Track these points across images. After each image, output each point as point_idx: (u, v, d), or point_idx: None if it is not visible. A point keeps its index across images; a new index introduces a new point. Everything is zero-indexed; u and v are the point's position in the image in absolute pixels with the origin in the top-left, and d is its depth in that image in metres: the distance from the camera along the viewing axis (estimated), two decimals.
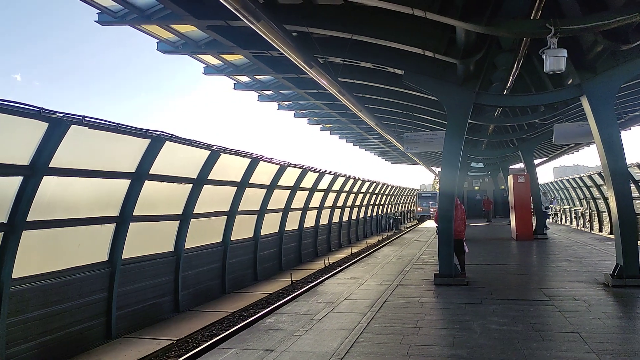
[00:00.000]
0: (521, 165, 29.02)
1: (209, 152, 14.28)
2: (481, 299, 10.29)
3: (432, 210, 54.91)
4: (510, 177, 24.03)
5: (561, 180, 37.87)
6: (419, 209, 59.39)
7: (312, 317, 9.46)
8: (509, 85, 14.05)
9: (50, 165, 9.55)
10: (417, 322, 8.68)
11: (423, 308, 9.81)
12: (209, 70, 16.65)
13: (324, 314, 9.68)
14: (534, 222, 23.20)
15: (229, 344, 8.04)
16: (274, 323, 9.15)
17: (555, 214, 40.81)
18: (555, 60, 9.08)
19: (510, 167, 36.71)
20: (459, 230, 12.58)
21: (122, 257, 11.97)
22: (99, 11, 11.48)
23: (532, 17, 9.06)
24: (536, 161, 32.20)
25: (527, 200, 22.55)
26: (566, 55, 9.12)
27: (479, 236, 25.01)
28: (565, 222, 37.33)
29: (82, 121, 9.76)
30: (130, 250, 12.31)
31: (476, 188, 46.24)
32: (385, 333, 8.13)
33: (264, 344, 7.85)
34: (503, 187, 39.64)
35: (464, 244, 12.94)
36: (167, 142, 12.15)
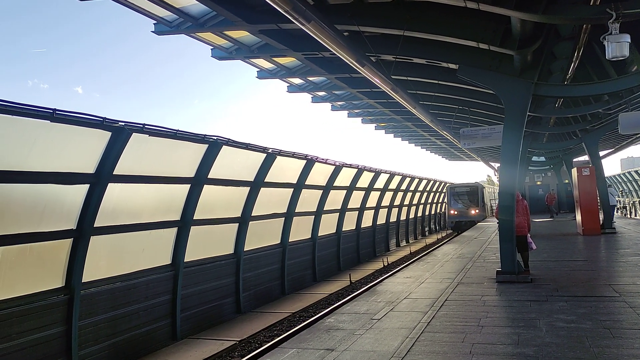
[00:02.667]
0: (585, 157, 28.02)
1: (265, 155, 14.46)
2: (546, 296, 9.99)
3: (473, 212, 38.00)
4: (574, 170, 23.20)
5: (629, 172, 36.29)
6: (452, 211, 38.76)
7: (372, 316, 9.42)
8: (569, 74, 13.57)
9: (114, 173, 9.89)
10: (480, 321, 8.50)
11: (485, 306, 9.60)
12: (263, 74, 16.85)
13: (383, 313, 9.63)
14: (601, 216, 22.34)
15: (290, 343, 8.11)
16: (334, 323, 9.16)
17: (624, 207, 39.14)
18: (617, 46, 8.69)
19: (574, 159, 35.46)
20: (521, 226, 12.24)
21: (185, 260, 12.26)
22: (155, 22, 11.81)
23: (591, 3, 8.71)
24: (601, 153, 30.91)
25: (592, 193, 21.73)
26: (629, 40, 8.72)
27: (543, 232, 24.27)
28: (635, 215, 35.74)
29: (143, 129, 10.07)
30: (192, 253, 12.61)
31: (538, 183, 44.94)
32: (447, 332, 8.00)
33: (324, 343, 7.87)
34: (567, 181, 38.34)
35: (531, 240, 12.58)
36: (224, 146, 12.38)
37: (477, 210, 37.97)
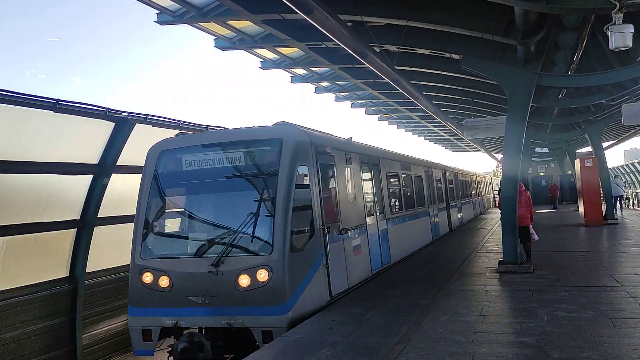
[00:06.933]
0: (589, 148, 27.99)
1: None
2: (548, 286, 10.01)
3: (245, 282, 8.12)
4: (577, 162, 23.20)
5: (632, 164, 36.26)
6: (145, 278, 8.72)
7: None
8: (573, 65, 13.53)
9: (117, 163, 9.93)
10: (482, 310, 8.54)
11: (488, 296, 9.63)
12: (266, 64, 16.84)
13: None
14: (604, 207, 22.35)
15: None
16: None
17: (627, 198, 39.12)
18: (621, 37, 8.66)
19: (577, 150, 35.38)
20: (523, 216, 12.25)
21: None
22: (158, 11, 11.82)
23: None
24: (605, 144, 30.87)
25: (595, 184, 21.73)
26: (633, 30, 8.68)
27: (546, 223, 24.28)
28: (638, 206, 35.67)
29: (146, 119, 10.12)
30: None
31: (541, 174, 44.84)
32: (449, 321, 8.02)
33: None
34: (570, 172, 38.29)
35: (533, 231, 12.60)
36: None
37: (265, 275, 8.19)
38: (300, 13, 8.24)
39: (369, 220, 11.90)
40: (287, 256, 8.13)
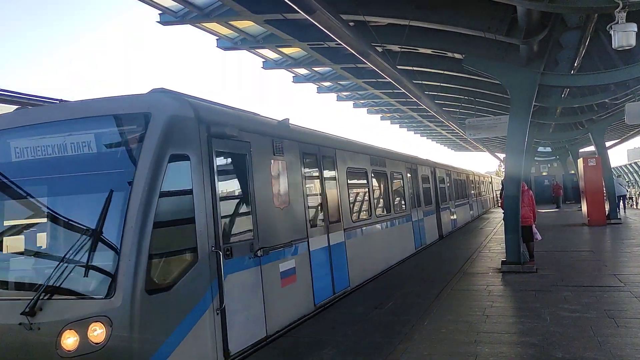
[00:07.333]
0: (592, 148, 27.96)
1: None
2: (551, 286, 9.99)
3: None
4: (580, 161, 23.16)
5: (635, 163, 36.20)
6: None
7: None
8: (576, 64, 13.51)
9: None
10: (485, 310, 8.52)
11: (490, 296, 9.62)
12: (268, 64, 16.86)
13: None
14: (607, 207, 22.30)
15: None
16: None
17: (630, 197, 39.08)
18: (624, 36, 8.64)
19: (580, 150, 35.35)
20: (526, 216, 12.23)
21: None
22: (160, 12, 11.85)
23: None
24: (608, 143, 30.83)
25: (598, 184, 21.68)
26: (636, 29, 8.67)
27: (549, 222, 24.23)
28: None
29: None
30: None
31: (544, 173, 44.81)
32: (452, 321, 8.02)
33: None
34: (573, 172, 38.25)
35: (536, 231, 12.58)
36: None
37: (101, 333, 5.00)
38: (302, 13, 8.24)
39: (313, 232, 9.00)
40: (140, 299, 5.05)
